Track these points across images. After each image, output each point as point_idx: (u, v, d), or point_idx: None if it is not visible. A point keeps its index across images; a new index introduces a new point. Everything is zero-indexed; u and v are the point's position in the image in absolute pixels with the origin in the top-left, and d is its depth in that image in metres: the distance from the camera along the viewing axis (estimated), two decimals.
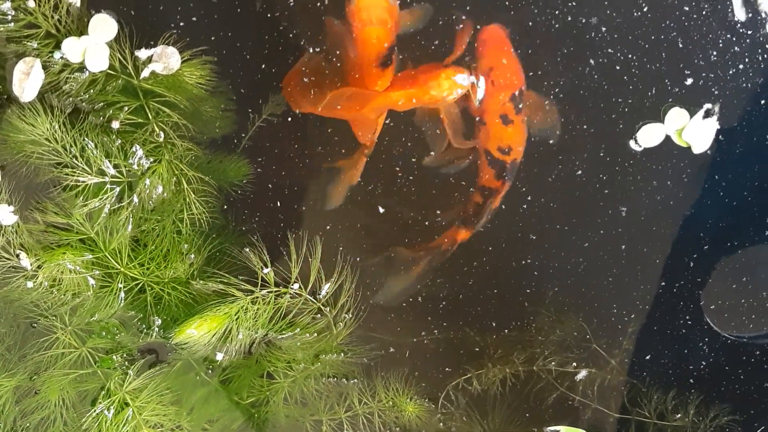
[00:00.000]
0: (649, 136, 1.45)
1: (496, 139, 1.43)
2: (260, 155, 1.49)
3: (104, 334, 1.48)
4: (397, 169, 1.49)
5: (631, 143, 1.46)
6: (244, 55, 1.43)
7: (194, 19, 1.41)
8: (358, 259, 1.49)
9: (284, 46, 1.43)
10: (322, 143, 1.48)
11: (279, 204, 1.50)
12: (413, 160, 1.48)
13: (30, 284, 1.42)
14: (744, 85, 1.44)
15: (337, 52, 1.42)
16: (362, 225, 1.50)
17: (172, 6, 1.41)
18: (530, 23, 1.42)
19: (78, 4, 1.35)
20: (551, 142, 1.45)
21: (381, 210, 1.50)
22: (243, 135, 1.47)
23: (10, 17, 1.33)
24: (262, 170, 1.49)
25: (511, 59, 1.42)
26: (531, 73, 1.43)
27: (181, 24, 1.40)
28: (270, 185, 1.50)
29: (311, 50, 1.42)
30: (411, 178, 1.49)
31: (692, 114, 1.44)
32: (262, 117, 1.47)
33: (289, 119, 1.46)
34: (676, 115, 1.43)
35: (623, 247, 1.50)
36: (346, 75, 1.43)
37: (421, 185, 1.48)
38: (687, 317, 1.54)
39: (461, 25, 1.42)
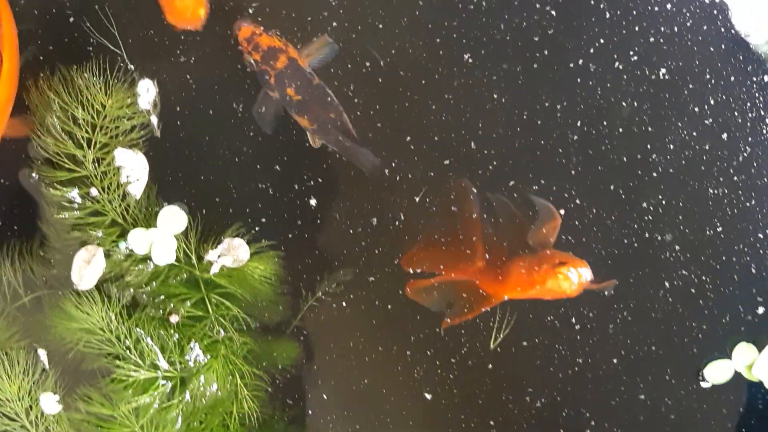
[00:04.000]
0: (716, 373, 1.40)
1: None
2: (308, 338, 1.44)
3: None
4: None
5: (701, 383, 1.42)
6: (300, 241, 1.40)
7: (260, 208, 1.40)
8: None
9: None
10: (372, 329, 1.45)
11: (325, 394, 1.45)
12: None
13: None
14: None
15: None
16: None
17: (239, 200, 1.39)
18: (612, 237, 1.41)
19: (138, 197, 1.31)
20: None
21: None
22: (293, 318, 1.42)
23: (76, 205, 1.29)
24: (309, 354, 1.44)
25: None
26: (605, 293, 1.40)
27: (249, 217, 1.39)
28: (315, 369, 1.45)
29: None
30: None
31: (761, 347, 1.40)
32: (314, 297, 1.42)
33: (339, 305, 1.43)
34: (744, 351, 1.39)
35: None
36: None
37: None
38: None
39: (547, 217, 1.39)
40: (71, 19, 1.33)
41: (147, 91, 1.30)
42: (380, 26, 1.37)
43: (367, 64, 1.36)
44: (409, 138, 1.38)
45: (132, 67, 1.31)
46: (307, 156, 1.38)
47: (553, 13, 1.35)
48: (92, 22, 1.32)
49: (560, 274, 1.31)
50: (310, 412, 1.44)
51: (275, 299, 1.40)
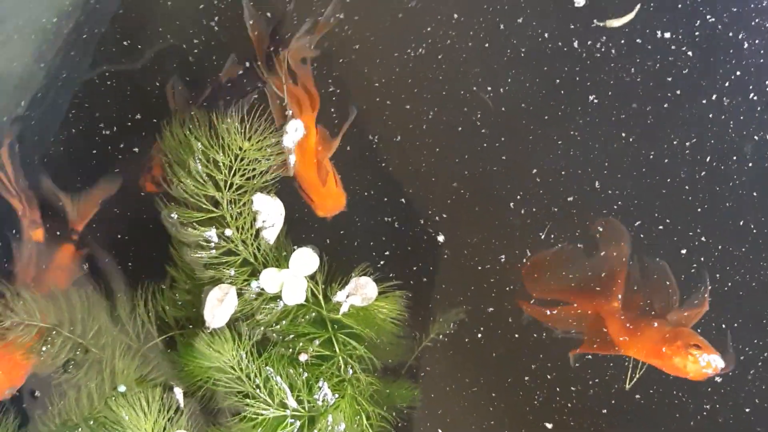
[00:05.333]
0: None
1: None
2: (424, 379, 1.44)
3: None
4: None
5: None
6: (425, 277, 1.42)
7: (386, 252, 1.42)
8: None
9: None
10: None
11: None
12: None
13: None
14: None
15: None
16: None
17: (364, 234, 1.42)
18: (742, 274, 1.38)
19: (271, 242, 1.35)
20: None
21: None
22: (408, 359, 1.43)
23: (213, 244, 1.33)
24: (428, 393, 1.44)
25: None
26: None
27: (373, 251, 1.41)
28: (435, 409, 1.44)
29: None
30: None
31: None
32: (429, 337, 1.43)
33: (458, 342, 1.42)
34: None
35: None
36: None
37: None
38: None
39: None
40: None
41: (295, 131, 1.36)
42: (495, 66, 1.40)
43: (489, 88, 1.39)
44: (534, 170, 1.39)
45: (290, 111, 1.37)
46: (433, 190, 1.41)
47: (690, 53, 1.36)
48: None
49: (691, 355, 1.30)
50: None
51: (396, 338, 1.42)
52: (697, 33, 1.35)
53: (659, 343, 1.33)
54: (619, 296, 1.38)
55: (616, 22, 1.35)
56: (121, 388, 1.33)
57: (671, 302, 1.37)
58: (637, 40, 1.35)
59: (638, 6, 1.36)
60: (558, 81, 1.38)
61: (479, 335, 1.42)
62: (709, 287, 1.36)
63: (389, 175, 1.41)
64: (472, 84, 1.39)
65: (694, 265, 1.37)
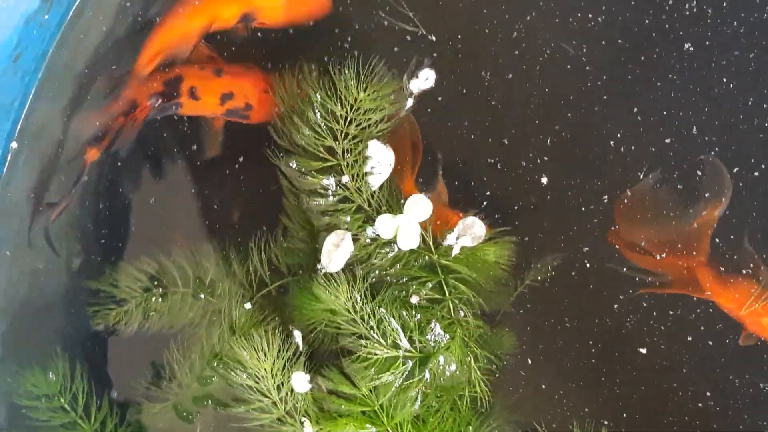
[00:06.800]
0: None
1: None
2: (520, 326, 1.50)
3: None
4: None
5: None
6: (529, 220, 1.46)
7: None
8: None
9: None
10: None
11: (545, 379, 1.48)
12: None
13: None
14: None
15: None
16: None
17: (465, 181, 1.47)
18: None
19: (375, 188, 1.39)
20: None
21: None
22: (504, 305, 1.48)
23: (330, 192, 1.37)
24: (525, 338, 1.49)
25: None
26: None
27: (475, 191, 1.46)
28: (533, 353, 1.49)
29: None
30: None
31: None
32: (524, 283, 1.48)
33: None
34: None
35: None
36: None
37: None
38: None
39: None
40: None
41: (425, 81, 1.41)
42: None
43: (590, 17, 1.42)
44: (635, 110, 1.43)
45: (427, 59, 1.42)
46: (533, 133, 1.46)
47: None
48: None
49: None
50: (531, 396, 1.49)
51: (499, 284, 1.47)
52: None
53: (755, 299, 1.37)
54: (706, 250, 1.41)
55: None
56: (247, 305, 1.42)
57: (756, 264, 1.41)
58: None
59: None
60: (647, 22, 1.42)
61: (577, 274, 1.47)
62: None
63: (494, 115, 1.46)
64: (577, 22, 1.44)
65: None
